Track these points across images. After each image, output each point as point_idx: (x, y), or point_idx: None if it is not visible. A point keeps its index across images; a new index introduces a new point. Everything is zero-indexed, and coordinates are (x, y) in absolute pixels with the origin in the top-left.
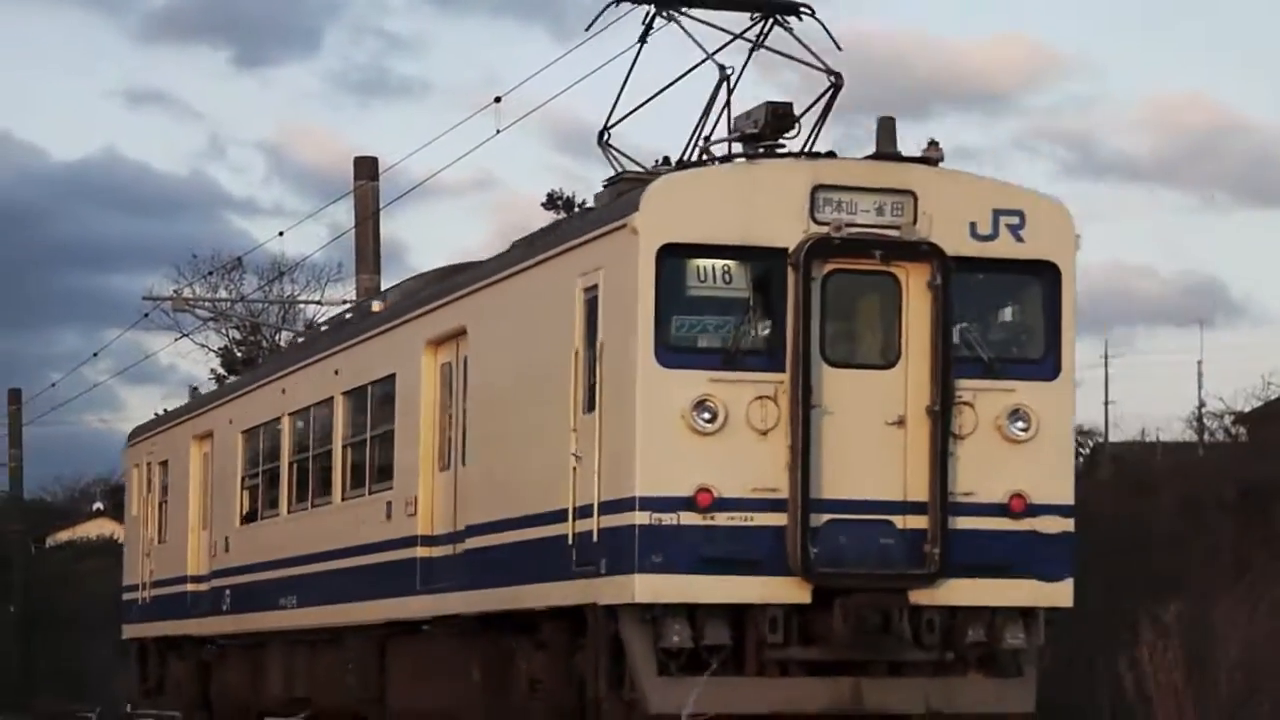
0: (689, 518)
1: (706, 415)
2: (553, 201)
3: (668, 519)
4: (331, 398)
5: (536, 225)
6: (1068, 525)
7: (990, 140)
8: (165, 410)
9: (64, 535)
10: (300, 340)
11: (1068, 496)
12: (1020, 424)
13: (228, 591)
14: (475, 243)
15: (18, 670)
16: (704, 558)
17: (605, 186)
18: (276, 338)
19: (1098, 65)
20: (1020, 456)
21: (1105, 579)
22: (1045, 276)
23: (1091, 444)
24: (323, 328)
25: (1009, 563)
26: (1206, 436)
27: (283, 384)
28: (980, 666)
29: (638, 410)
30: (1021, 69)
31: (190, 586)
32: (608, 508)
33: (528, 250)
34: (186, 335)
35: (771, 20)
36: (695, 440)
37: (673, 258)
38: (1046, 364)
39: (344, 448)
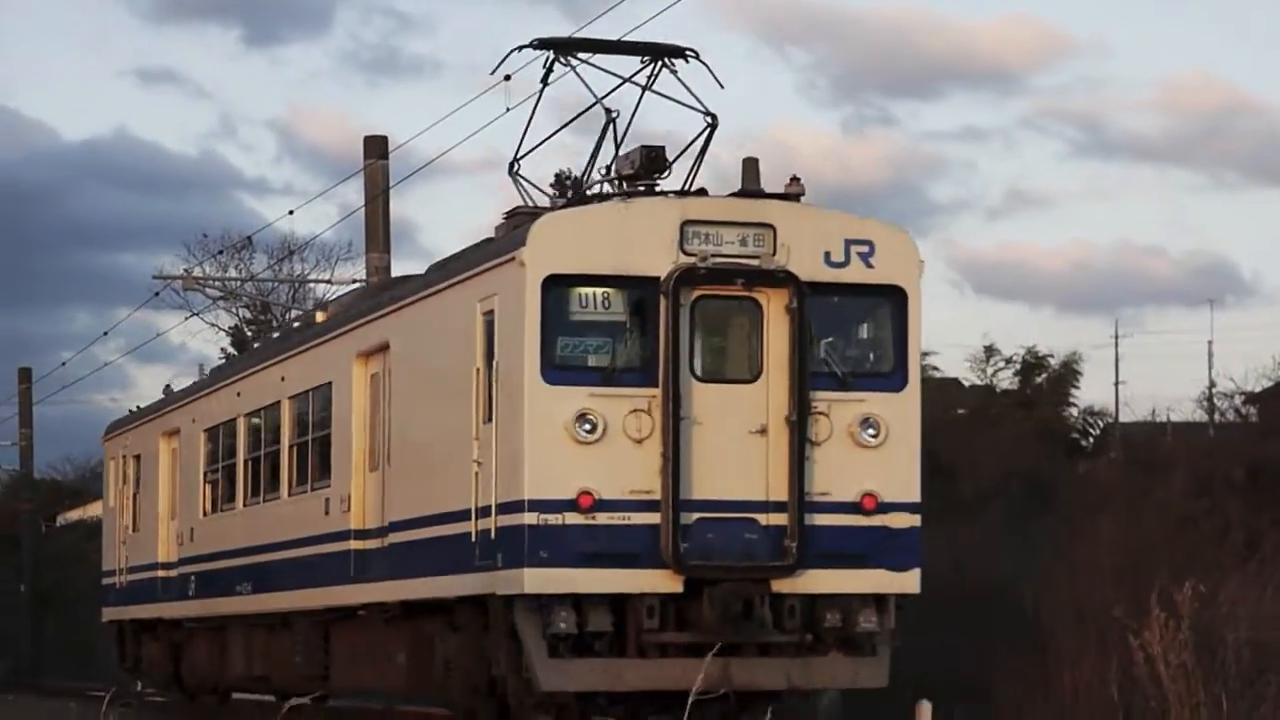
0: (573, 518)
1: (587, 426)
2: (561, 181)
3: (554, 519)
4: (279, 401)
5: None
6: (915, 520)
7: (1000, 120)
8: (139, 407)
9: (74, 514)
10: (257, 345)
11: (915, 495)
12: (871, 431)
13: (193, 578)
14: (485, 221)
15: (28, 648)
16: (586, 553)
17: (505, 219)
18: (286, 317)
19: (1107, 45)
20: (871, 460)
21: (1115, 559)
22: (893, 299)
23: (1102, 424)
24: (292, 325)
25: (861, 554)
26: (1217, 416)
27: (238, 387)
28: (839, 647)
29: (526, 422)
30: (1031, 49)
31: (160, 573)
32: (502, 509)
33: (439, 275)
34: (197, 314)
35: (660, 63)
36: (577, 449)
37: (556, 287)
38: (895, 377)
39: (290, 448)
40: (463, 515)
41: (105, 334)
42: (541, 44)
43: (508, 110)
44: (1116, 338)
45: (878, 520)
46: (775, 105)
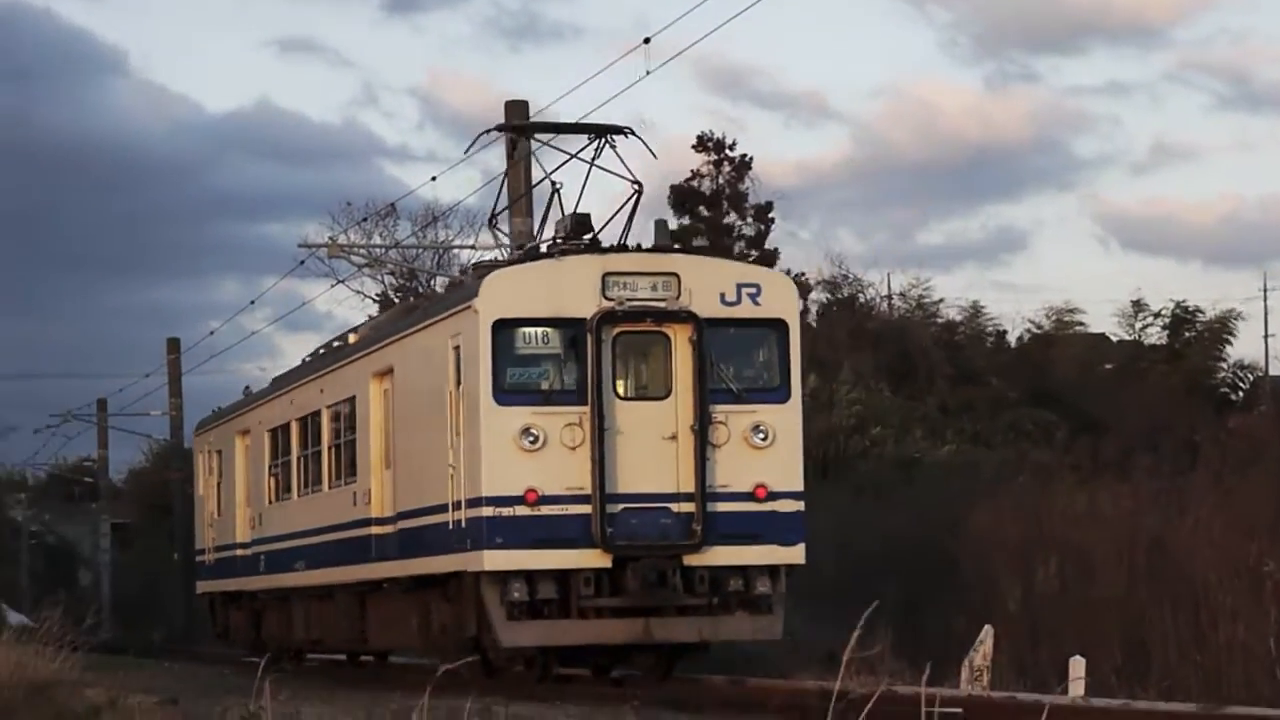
0: (521, 510)
1: (531, 438)
2: (703, 144)
3: (506, 511)
4: (320, 410)
5: (688, 169)
6: (799, 505)
7: (1143, 74)
8: (219, 408)
9: None
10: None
11: (798, 485)
12: (761, 435)
13: (263, 556)
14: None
15: (182, 616)
16: (534, 538)
17: (474, 267)
18: (431, 283)
19: None
20: (762, 458)
21: (1268, 513)
22: (777, 329)
23: (1251, 378)
24: (324, 349)
25: (756, 534)
26: None
27: (291, 396)
28: (741, 608)
29: (482, 435)
30: (1172, 2)
31: (239, 551)
32: (469, 504)
33: (424, 315)
34: (342, 282)
35: (603, 139)
36: (524, 455)
37: (504, 328)
38: (780, 391)
39: (328, 448)
40: (443, 508)
41: (252, 303)
42: (504, 128)
43: (648, 73)
44: (1265, 291)
45: (768, 506)
46: (917, 63)
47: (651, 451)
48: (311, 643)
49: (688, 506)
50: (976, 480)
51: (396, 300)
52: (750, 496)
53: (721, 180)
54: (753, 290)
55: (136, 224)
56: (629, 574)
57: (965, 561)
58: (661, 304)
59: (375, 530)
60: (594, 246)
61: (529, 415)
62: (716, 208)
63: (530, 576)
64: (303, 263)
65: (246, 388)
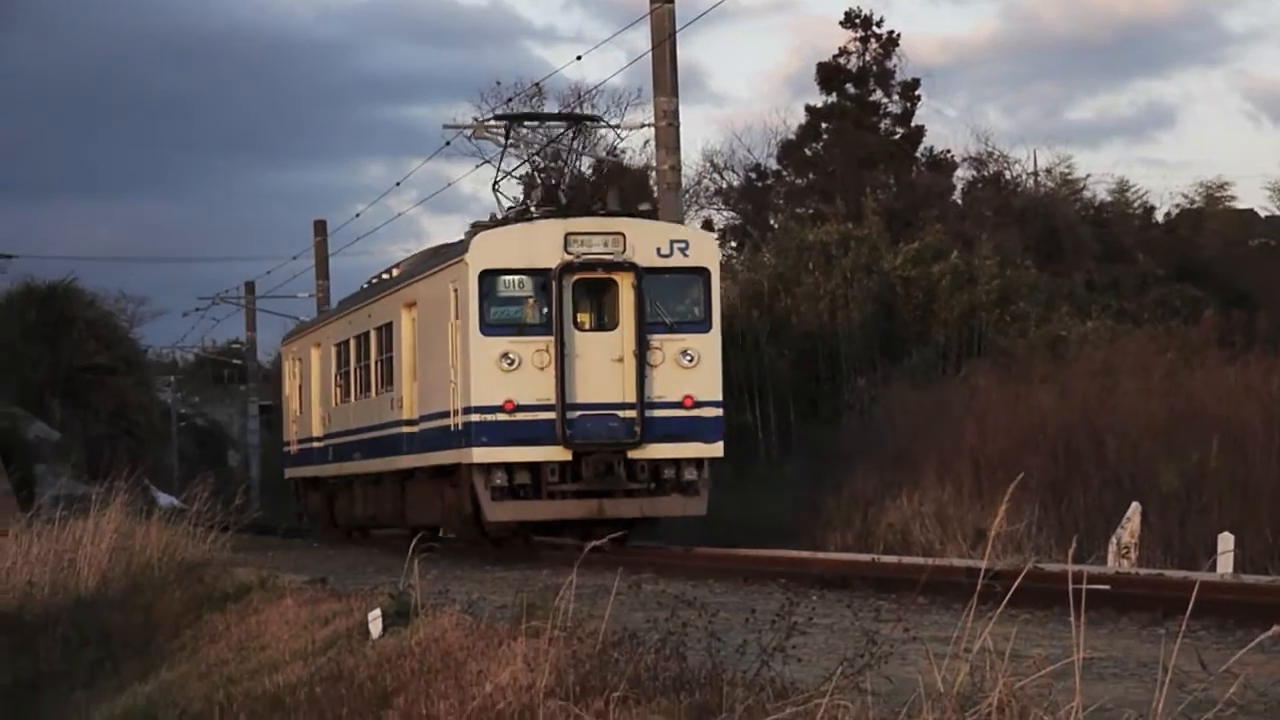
0: (502, 416)
1: (509, 361)
2: (851, 20)
3: (490, 417)
4: (369, 331)
5: (835, 48)
6: (719, 412)
7: None
8: (300, 320)
9: None
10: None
11: (718, 396)
12: (688, 358)
13: (331, 448)
14: (773, 64)
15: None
16: (511, 438)
17: (471, 226)
18: (576, 164)
19: None
20: (689, 376)
21: None
22: (702, 275)
23: None
24: (376, 279)
25: (684, 434)
26: None
27: (350, 317)
28: (675, 491)
29: (471, 359)
30: None
31: (315, 444)
32: (463, 411)
33: (438, 261)
34: (488, 162)
35: (577, 126)
36: (503, 374)
37: (488, 276)
38: (704, 324)
39: (375, 362)
40: (447, 414)
41: (398, 184)
42: (500, 118)
43: None
44: None
45: (694, 412)
46: None
47: (603, 371)
48: (369, 519)
49: (631, 413)
50: (1124, 357)
51: (540, 181)
52: (680, 405)
53: (868, 57)
54: (683, 245)
55: (284, 107)
56: (585, 465)
57: (1112, 439)
58: (610, 257)
59: (406, 429)
60: (558, 212)
61: (508, 343)
62: (863, 85)
63: (509, 468)
64: (448, 143)
65: (325, 306)
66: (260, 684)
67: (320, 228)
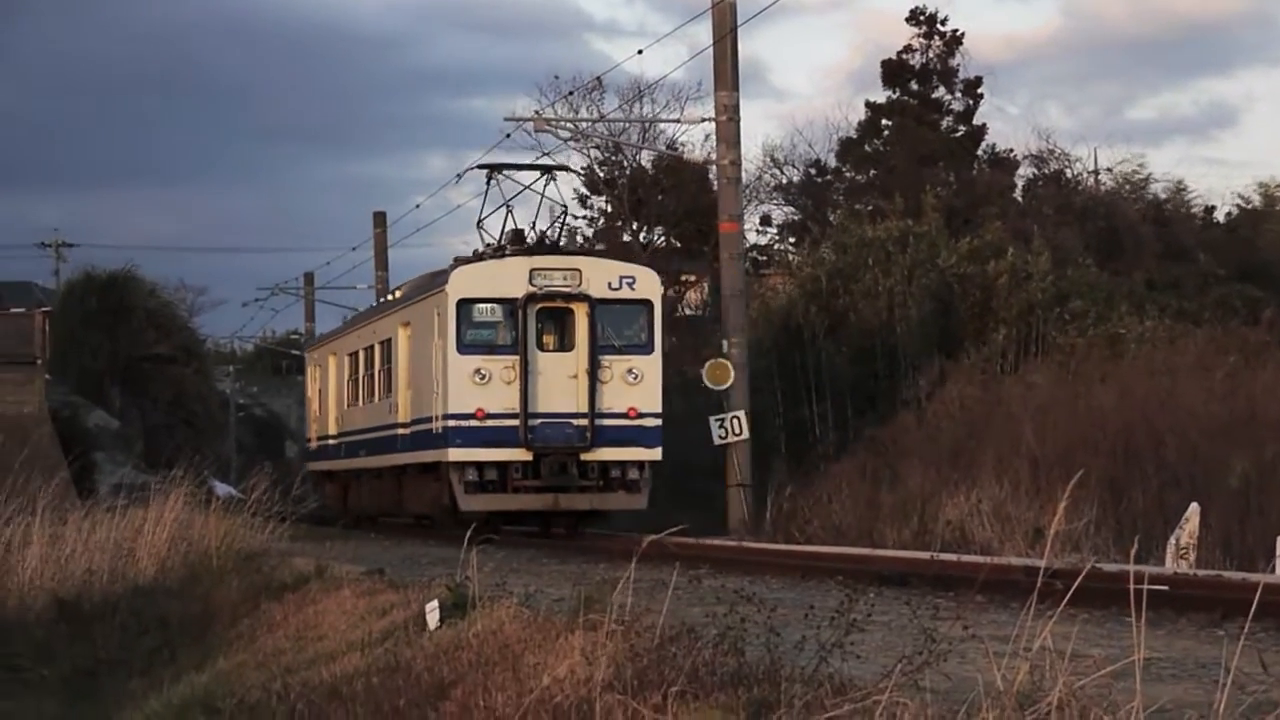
0: (474, 422)
1: (481, 375)
2: (915, 18)
3: (464, 423)
4: (374, 345)
5: (900, 45)
6: (658, 422)
7: None
8: (320, 334)
9: None
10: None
11: (658, 408)
12: (633, 376)
13: (343, 445)
14: (835, 60)
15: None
16: (482, 440)
17: (454, 261)
18: (637, 157)
19: None
20: (633, 391)
21: None
22: (646, 306)
23: None
24: (389, 295)
25: (629, 440)
26: None
27: (359, 332)
28: (620, 489)
29: (449, 373)
30: None
31: (331, 441)
32: (443, 418)
33: (426, 289)
34: (547, 155)
35: (548, 174)
36: (476, 387)
37: (465, 304)
38: (646, 347)
39: (378, 372)
40: (430, 419)
41: (458, 177)
42: (483, 167)
43: None
44: None
45: (637, 422)
46: None
47: (560, 385)
48: (375, 507)
49: (583, 421)
50: (1183, 356)
51: (601, 175)
52: (625, 415)
53: (931, 55)
54: (630, 280)
55: (345, 98)
56: (544, 465)
57: (1172, 439)
58: (568, 289)
59: (400, 431)
60: (524, 250)
61: (480, 361)
62: (926, 82)
63: (480, 466)
64: (509, 136)
65: (345, 317)
66: (317, 674)
67: (380, 219)
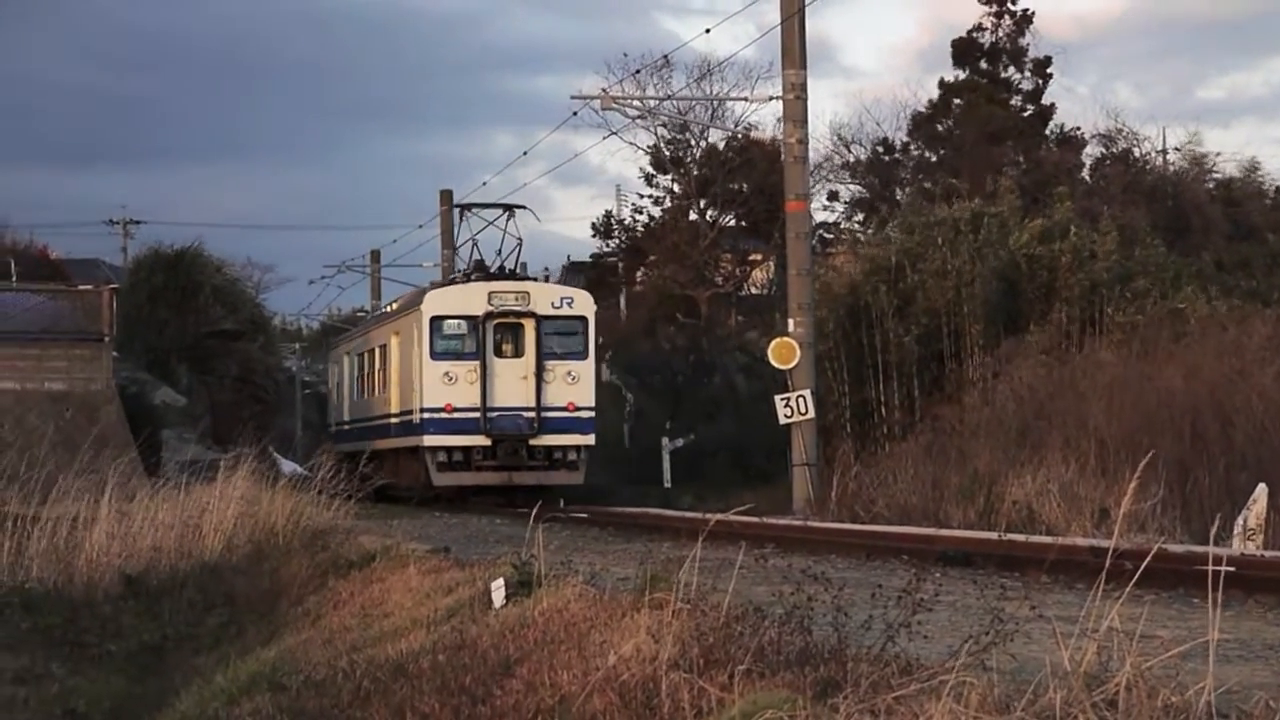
0: (444, 415)
1: (449, 377)
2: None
3: (436, 415)
4: (375, 348)
5: (970, 23)
6: (591, 414)
7: None
8: (335, 336)
9: None
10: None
11: (591, 403)
12: (571, 377)
13: (355, 431)
14: (903, 38)
15: None
16: (450, 429)
17: (430, 285)
18: (704, 136)
19: None
20: (572, 389)
21: None
22: (582, 321)
23: None
24: (387, 307)
25: (568, 428)
26: None
27: (365, 336)
28: (562, 468)
29: (424, 375)
30: None
31: (345, 427)
32: (420, 411)
33: (409, 306)
34: (615, 134)
35: (509, 212)
36: (445, 386)
37: (436, 319)
38: (582, 354)
39: (377, 370)
40: (410, 411)
41: (524, 154)
42: (455, 205)
43: None
44: None
45: (575, 414)
46: None
47: (513, 385)
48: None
49: (532, 414)
50: (1252, 337)
51: (669, 153)
52: (565, 409)
53: (1001, 34)
54: (569, 300)
55: (414, 77)
56: (500, 449)
57: (1240, 420)
58: (519, 308)
59: (392, 420)
60: (485, 276)
61: (449, 365)
62: (995, 62)
63: (449, 450)
64: (575, 114)
65: (358, 314)
66: (383, 651)
67: (446, 198)
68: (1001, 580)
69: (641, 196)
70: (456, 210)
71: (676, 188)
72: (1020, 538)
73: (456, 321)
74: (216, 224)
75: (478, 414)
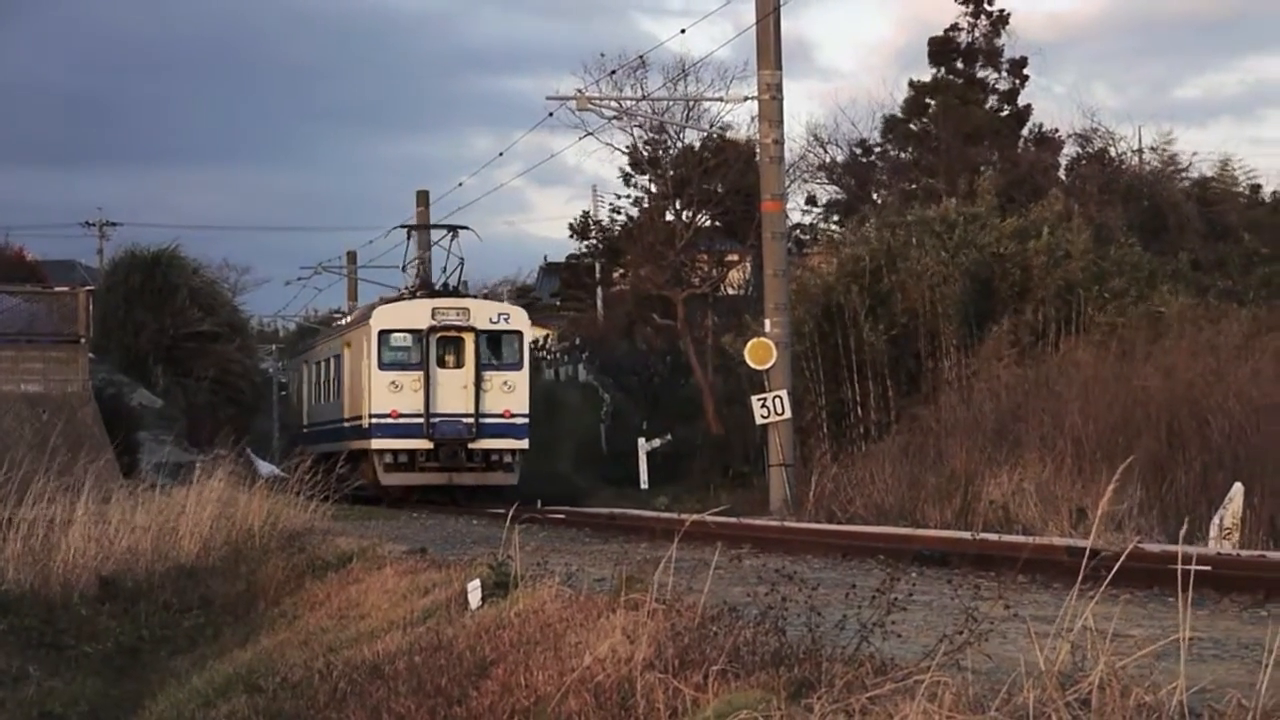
0: (390, 420)
1: (395, 386)
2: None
3: (383, 420)
4: (330, 357)
5: (947, 22)
6: (525, 420)
7: None
8: (297, 345)
9: None
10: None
11: (525, 410)
12: (507, 386)
13: (313, 434)
14: (880, 38)
15: None
16: (396, 433)
17: (379, 299)
18: (680, 136)
19: None
20: (507, 397)
21: None
22: (518, 335)
23: None
24: (340, 319)
25: (504, 433)
26: None
27: (321, 346)
28: (499, 469)
29: (372, 384)
30: None
31: (305, 430)
32: (369, 416)
33: (360, 319)
34: (591, 134)
35: (453, 232)
36: (392, 394)
37: (384, 333)
38: (517, 365)
39: (331, 378)
40: (360, 417)
41: (501, 154)
42: (401, 226)
43: None
44: None
45: (510, 420)
46: None
47: (455, 393)
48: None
49: (471, 420)
50: (1228, 336)
51: (645, 154)
52: (501, 416)
53: (978, 34)
54: (506, 315)
55: (390, 78)
56: (441, 452)
57: (1216, 419)
58: (460, 322)
59: (346, 424)
60: (429, 293)
61: (395, 375)
62: (972, 62)
63: (395, 452)
64: (551, 114)
65: (320, 327)
66: (360, 652)
67: (423, 198)
68: (977, 580)
69: (619, 197)
70: (404, 230)
71: (654, 188)
72: (994, 537)
73: (403, 335)
74: (193, 225)
75: (421, 419)
